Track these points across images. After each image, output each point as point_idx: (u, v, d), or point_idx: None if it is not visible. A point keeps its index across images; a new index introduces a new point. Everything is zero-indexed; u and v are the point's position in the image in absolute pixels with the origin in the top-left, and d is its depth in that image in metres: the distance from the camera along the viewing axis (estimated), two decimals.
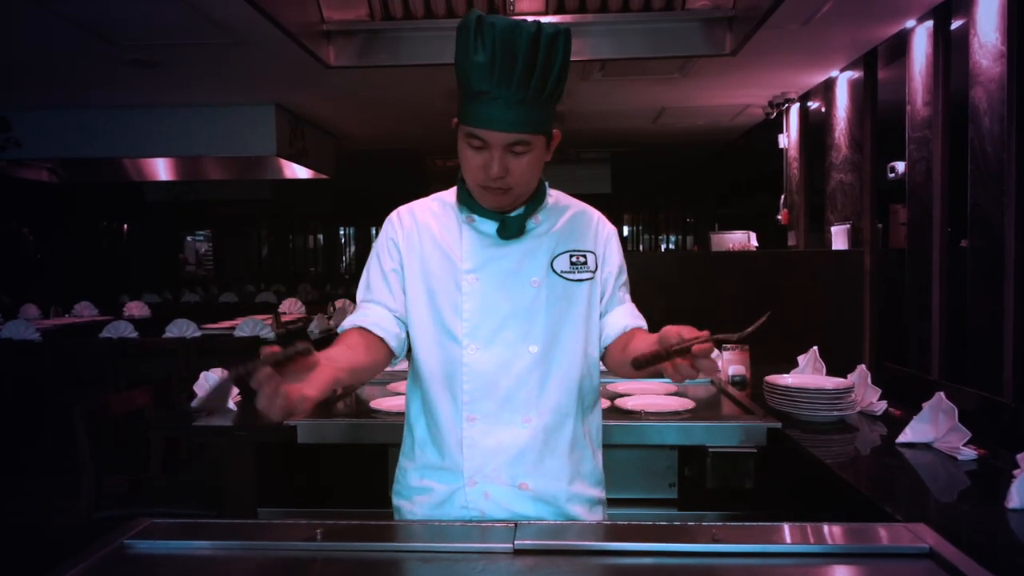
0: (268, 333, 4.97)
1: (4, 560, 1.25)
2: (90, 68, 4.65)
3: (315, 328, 5.23)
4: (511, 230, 1.34)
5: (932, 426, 1.83)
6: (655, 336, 1.19)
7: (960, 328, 3.31)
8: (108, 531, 1.23)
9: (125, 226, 11.32)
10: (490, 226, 1.36)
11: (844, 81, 4.64)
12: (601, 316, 1.43)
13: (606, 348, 1.44)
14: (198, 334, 5.01)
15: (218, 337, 5.07)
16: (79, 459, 2.35)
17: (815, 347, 2.59)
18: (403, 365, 1.52)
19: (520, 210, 1.36)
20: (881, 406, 2.21)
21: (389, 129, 7.08)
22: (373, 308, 1.37)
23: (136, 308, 7.21)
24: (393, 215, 1.43)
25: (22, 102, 5.83)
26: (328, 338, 5.15)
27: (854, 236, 4.39)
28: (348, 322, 1.37)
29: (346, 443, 2.15)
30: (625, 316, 1.43)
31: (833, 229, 4.64)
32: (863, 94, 4.31)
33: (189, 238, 12.90)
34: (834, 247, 4.57)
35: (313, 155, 6.89)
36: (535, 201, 1.37)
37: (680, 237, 12.99)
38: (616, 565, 1.15)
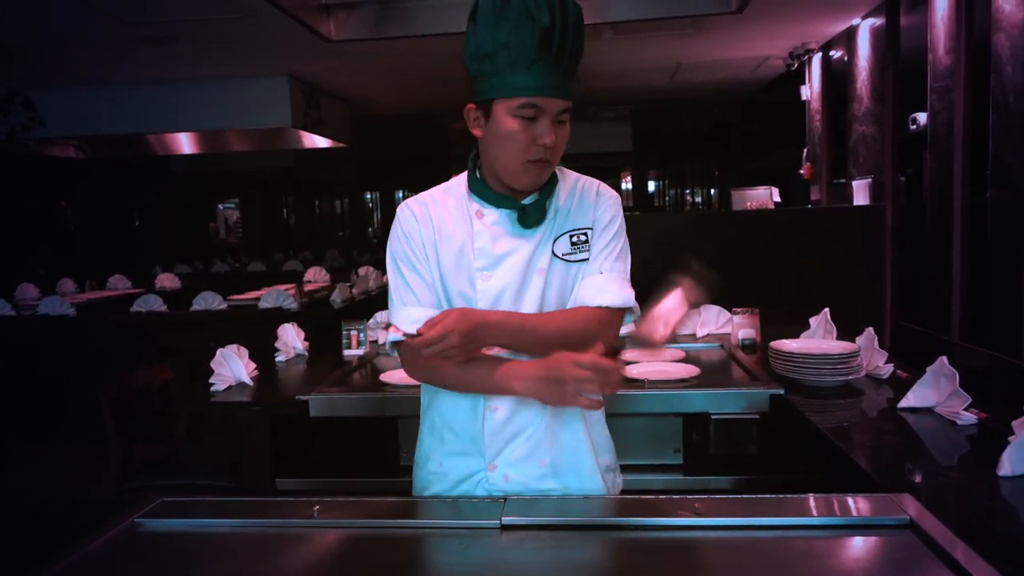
0: (291, 304, 5.05)
1: (33, 531, 1.33)
2: (103, 46, 4.70)
3: (337, 297, 5.30)
4: (533, 217, 1.32)
5: (934, 390, 1.82)
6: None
7: (982, 286, 3.24)
8: (121, 508, 1.30)
9: (154, 198, 11.52)
10: (504, 217, 1.33)
11: (866, 29, 4.48)
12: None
13: None
14: (224, 306, 5.12)
15: (243, 309, 5.17)
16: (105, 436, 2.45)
17: (826, 309, 2.56)
18: None
19: (534, 196, 1.34)
20: (887, 369, 2.19)
21: (405, 94, 7.04)
22: (417, 311, 1.32)
23: (167, 280, 7.38)
24: (404, 209, 1.37)
25: (42, 82, 5.92)
26: (350, 307, 5.21)
27: (876, 190, 4.29)
28: (395, 334, 1.34)
29: (355, 416, 2.21)
30: (589, 290, 1.33)
31: (854, 183, 4.54)
32: (885, 42, 4.16)
33: (220, 206, 13.05)
34: (855, 202, 4.47)
35: (329, 124, 6.90)
36: (550, 183, 1.35)
37: (705, 192, 12.79)
38: (601, 539, 1.19)
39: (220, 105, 6.07)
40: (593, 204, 1.38)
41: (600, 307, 1.32)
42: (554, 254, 1.34)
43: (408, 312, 1.33)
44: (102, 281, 7.45)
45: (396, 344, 1.36)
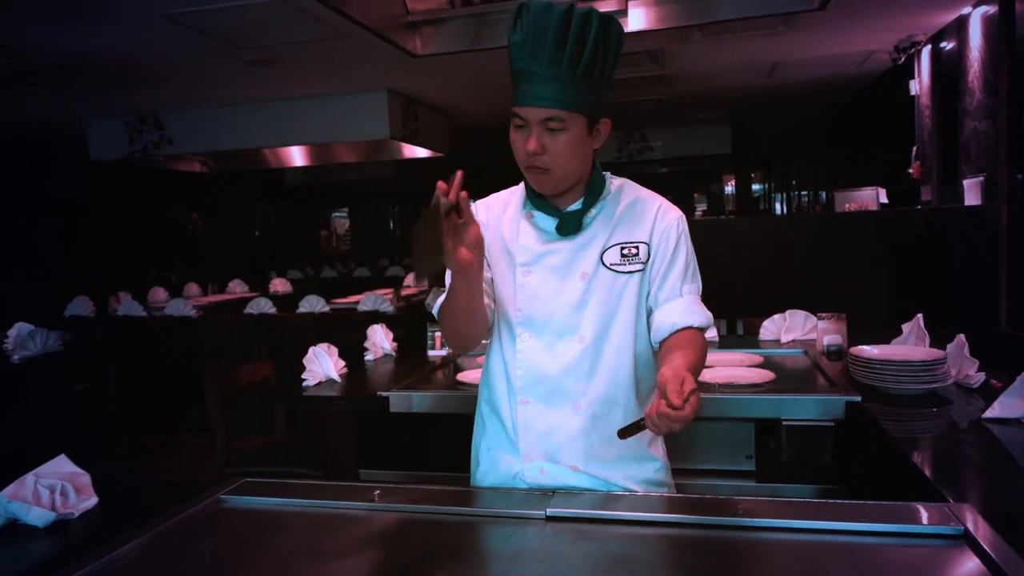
0: (387, 307, 5.30)
1: (137, 505, 1.50)
2: (220, 70, 5.11)
3: (431, 301, 5.50)
4: (569, 227, 1.38)
5: (1022, 401, 1.71)
6: (676, 362, 1.21)
7: None
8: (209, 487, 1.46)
9: (271, 208, 12.30)
10: (548, 222, 1.40)
11: (977, 18, 4.19)
12: (653, 309, 1.41)
13: (658, 344, 1.42)
14: (326, 309, 5.45)
15: (344, 311, 5.48)
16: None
17: (919, 315, 2.44)
18: None
19: (578, 205, 1.39)
20: (979, 378, 2.07)
21: (497, 105, 7.18)
22: None
23: (280, 284, 7.89)
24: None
25: (170, 104, 6.49)
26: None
27: (989, 189, 4.00)
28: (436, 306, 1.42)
29: (432, 412, 2.32)
30: (675, 312, 1.37)
31: (965, 182, 4.24)
32: (998, 31, 3.88)
33: (335, 215, 13.76)
34: (966, 202, 4.18)
35: (426, 135, 7.15)
36: (593, 195, 1.39)
37: (812, 194, 12.22)
38: (643, 535, 1.21)
39: (326, 120, 6.43)
40: (653, 221, 1.40)
41: (691, 327, 1.37)
42: (603, 263, 1.38)
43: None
44: (223, 285, 8.05)
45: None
